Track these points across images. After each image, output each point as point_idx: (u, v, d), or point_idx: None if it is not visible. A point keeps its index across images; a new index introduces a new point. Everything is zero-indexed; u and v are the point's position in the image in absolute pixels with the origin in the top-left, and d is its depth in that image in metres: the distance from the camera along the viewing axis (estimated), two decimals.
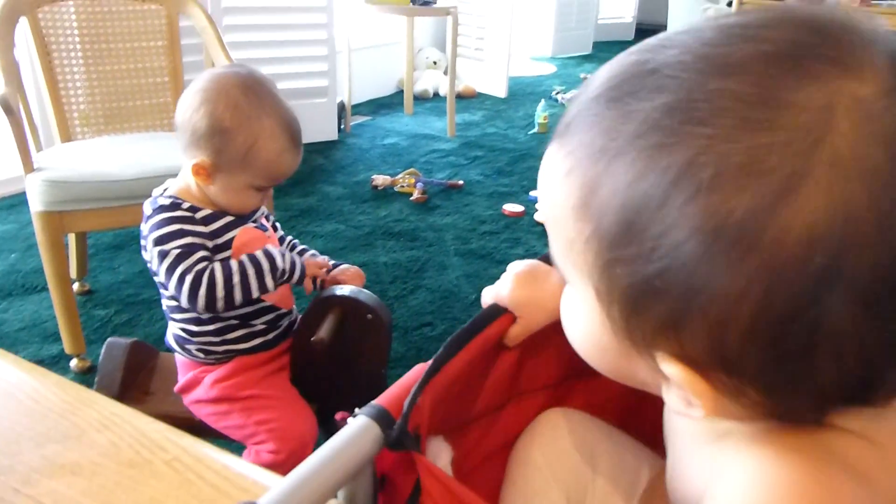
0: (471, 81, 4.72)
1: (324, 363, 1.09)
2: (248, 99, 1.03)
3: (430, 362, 0.48)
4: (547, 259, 0.63)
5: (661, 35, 0.38)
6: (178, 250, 1.02)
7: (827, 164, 0.30)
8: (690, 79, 0.33)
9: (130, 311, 1.95)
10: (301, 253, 1.21)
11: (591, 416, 0.67)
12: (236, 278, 1.02)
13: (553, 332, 0.63)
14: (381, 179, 2.94)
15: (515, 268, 0.61)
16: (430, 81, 4.63)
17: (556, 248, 0.41)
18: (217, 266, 1.02)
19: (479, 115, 4.19)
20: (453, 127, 3.74)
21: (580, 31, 6.61)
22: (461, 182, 3.00)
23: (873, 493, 0.35)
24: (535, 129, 3.85)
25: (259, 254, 1.05)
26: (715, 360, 0.35)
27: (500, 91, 4.65)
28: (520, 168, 3.26)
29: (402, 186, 2.90)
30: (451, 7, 3.54)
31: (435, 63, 4.82)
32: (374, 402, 0.44)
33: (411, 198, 2.81)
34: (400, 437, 0.42)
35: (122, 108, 2.03)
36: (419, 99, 4.45)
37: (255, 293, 1.05)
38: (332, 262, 1.20)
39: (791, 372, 0.34)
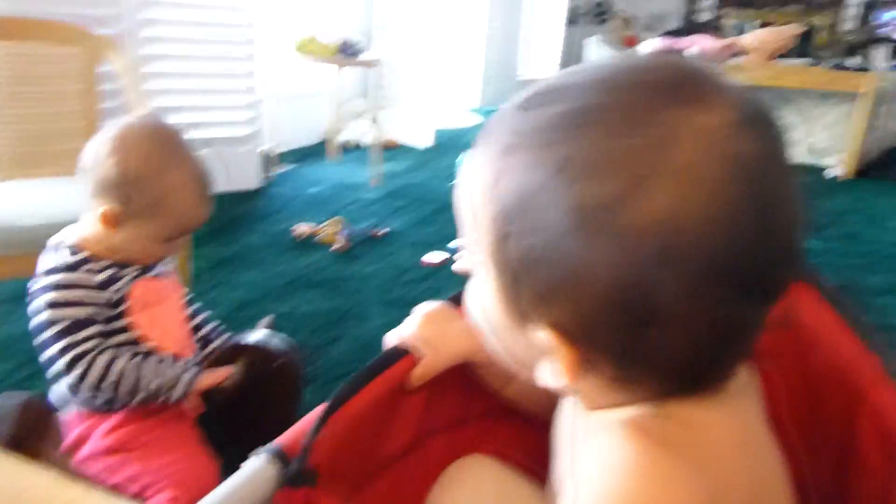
0: (396, 132, 4.79)
1: (233, 411, 1.07)
2: (160, 149, 1.04)
3: (329, 401, 0.48)
4: (454, 300, 0.65)
5: (573, 66, 0.46)
6: (67, 322, 1.02)
7: (671, 168, 0.38)
8: (584, 95, 0.42)
9: (33, 365, 1.85)
10: (202, 324, 1.21)
11: (502, 462, 0.69)
12: (110, 379, 1.02)
13: (456, 374, 0.65)
14: (303, 228, 2.93)
15: (422, 309, 0.63)
16: (356, 131, 4.67)
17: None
18: (101, 359, 1.01)
19: (404, 166, 4.24)
20: (378, 177, 3.77)
21: (505, 84, 6.82)
22: (385, 231, 3.01)
23: (699, 469, 0.41)
24: None
25: (147, 368, 1.04)
26: (578, 329, 0.41)
27: (426, 142, 4.73)
28: (443, 218, 3.30)
29: (325, 236, 2.89)
30: (376, 59, 3.61)
31: (361, 113, 4.87)
32: (271, 443, 0.44)
33: (334, 247, 2.80)
34: (297, 474, 0.42)
35: (34, 153, 1.96)
36: (344, 149, 4.47)
37: (118, 404, 1.05)
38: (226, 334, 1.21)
39: (634, 344, 0.41)
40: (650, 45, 4.72)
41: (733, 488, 0.44)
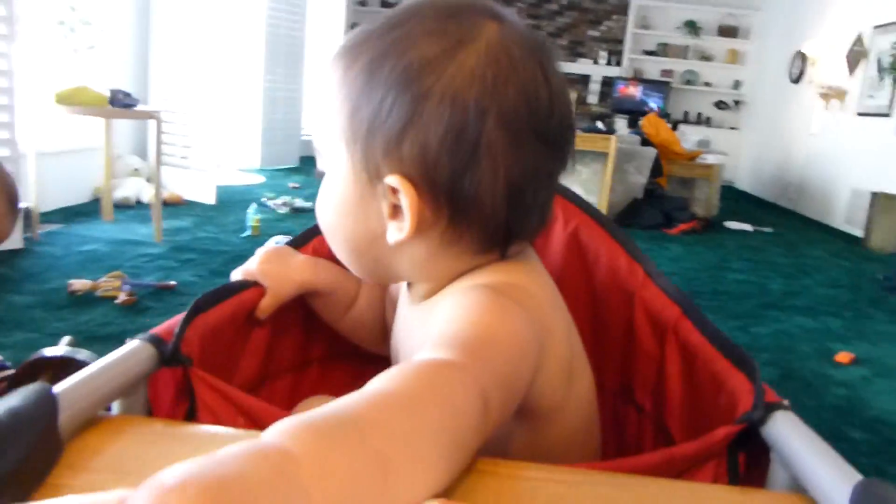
0: (177, 189, 4.61)
1: None
2: None
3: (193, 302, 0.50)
4: (292, 244, 0.69)
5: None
6: None
7: (483, 39, 0.50)
8: (417, 2, 0.53)
9: None
10: None
11: None
12: None
13: (297, 318, 0.68)
14: (79, 284, 2.70)
15: (263, 248, 0.67)
16: (132, 188, 4.42)
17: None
18: None
19: (189, 221, 4.09)
20: (160, 232, 3.60)
21: (287, 145, 6.85)
22: (173, 283, 2.88)
23: (530, 316, 0.50)
24: (249, 233, 3.86)
25: None
26: (421, 171, 0.49)
27: (209, 198, 4.60)
28: (235, 267, 3.22)
29: (106, 290, 2.69)
30: (154, 111, 3.49)
31: (136, 170, 4.64)
32: (147, 332, 0.45)
33: (116, 301, 2.62)
34: (174, 354, 0.44)
35: None
36: (120, 206, 4.21)
37: None
38: None
39: (465, 181, 0.49)
40: None
41: (556, 336, 0.54)
